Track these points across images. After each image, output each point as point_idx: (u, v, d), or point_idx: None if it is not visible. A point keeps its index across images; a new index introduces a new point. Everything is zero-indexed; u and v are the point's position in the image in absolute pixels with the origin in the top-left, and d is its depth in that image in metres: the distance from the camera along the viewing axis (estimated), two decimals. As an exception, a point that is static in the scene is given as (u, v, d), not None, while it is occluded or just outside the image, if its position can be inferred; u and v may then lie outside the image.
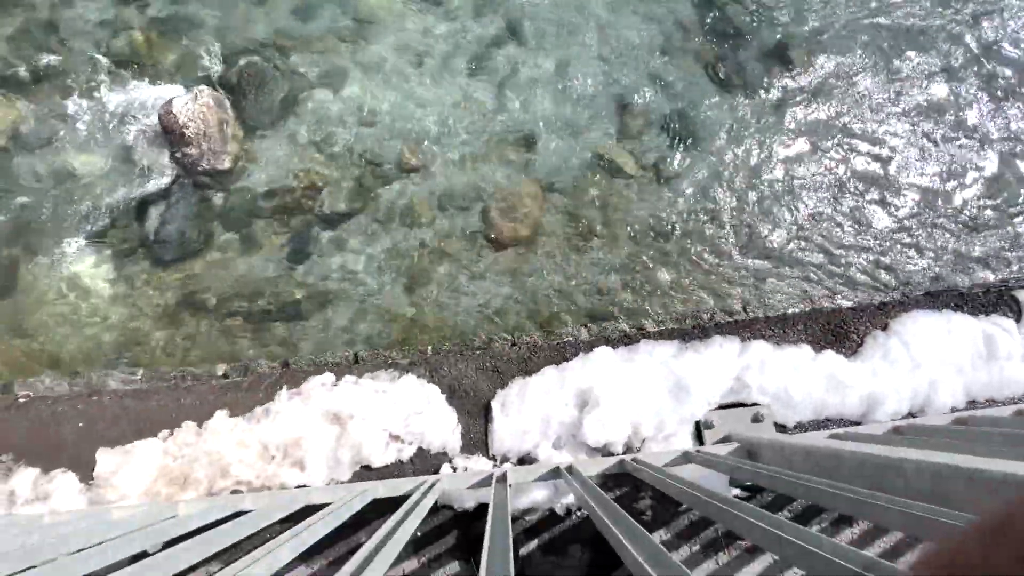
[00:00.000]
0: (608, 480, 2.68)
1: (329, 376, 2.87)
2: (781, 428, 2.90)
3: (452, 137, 4.69)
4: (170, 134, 4.50)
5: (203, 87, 4.59)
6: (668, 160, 4.69)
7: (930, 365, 2.95)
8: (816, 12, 5.17)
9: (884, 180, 4.76)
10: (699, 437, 2.87)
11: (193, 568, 2.45)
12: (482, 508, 2.66)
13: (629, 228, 4.49)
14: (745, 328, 3.12)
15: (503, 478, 2.45)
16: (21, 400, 2.81)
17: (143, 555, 2.04)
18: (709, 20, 5.10)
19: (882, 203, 4.69)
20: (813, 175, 4.74)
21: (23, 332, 4.15)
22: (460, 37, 4.95)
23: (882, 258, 4.55)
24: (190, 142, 4.45)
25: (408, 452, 2.75)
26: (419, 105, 4.76)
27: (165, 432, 2.68)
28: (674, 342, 3.05)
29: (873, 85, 5.00)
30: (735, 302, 4.25)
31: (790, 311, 3.64)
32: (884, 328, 3.12)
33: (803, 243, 4.54)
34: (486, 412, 2.90)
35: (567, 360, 3.03)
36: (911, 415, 2.92)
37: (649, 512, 2.67)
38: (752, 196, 4.65)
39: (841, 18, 5.16)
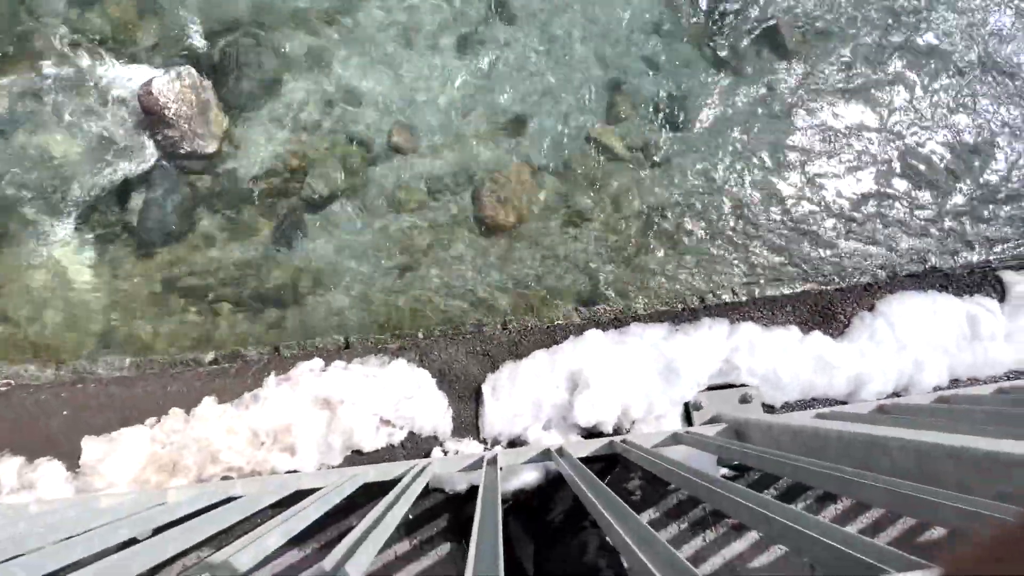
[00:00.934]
0: (598, 461, 2.70)
1: (318, 362, 2.85)
2: (769, 408, 2.94)
3: (440, 118, 4.60)
4: (151, 115, 4.37)
5: (184, 67, 4.44)
6: (658, 142, 4.65)
7: (915, 346, 2.99)
8: (809, -10, 5.11)
9: (873, 161, 4.76)
10: (688, 418, 2.90)
11: (184, 554, 2.45)
12: (473, 490, 2.68)
13: (619, 211, 4.47)
14: (734, 310, 3.13)
15: (493, 460, 2.46)
16: (2, 388, 2.76)
17: (133, 542, 2.03)
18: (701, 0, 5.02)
19: (870, 184, 4.71)
20: (804, 157, 4.73)
21: (3, 318, 4.06)
22: (448, 15, 4.83)
23: (869, 239, 4.58)
24: (171, 124, 4.33)
25: (399, 436, 2.75)
26: (406, 85, 4.66)
27: (152, 419, 2.66)
28: (664, 324, 3.06)
29: (870, 63, 4.96)
30: (725, 284, 4.27)
31: (778, 293, 3.67)
32: (871, 309, 3.15)
33: (792, 225, 4.55)
34: (477, 396, 2.90)
35: (558, 343, 3.03)
36: (896, 394, 2.97)
37: (638, 492, 2.70)
38: (742, 178, 4.64)
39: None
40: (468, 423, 2.87)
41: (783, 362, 2.91)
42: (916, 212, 4.66)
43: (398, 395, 2.73)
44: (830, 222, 4.58)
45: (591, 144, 4.59)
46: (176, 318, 4.14)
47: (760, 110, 4.80)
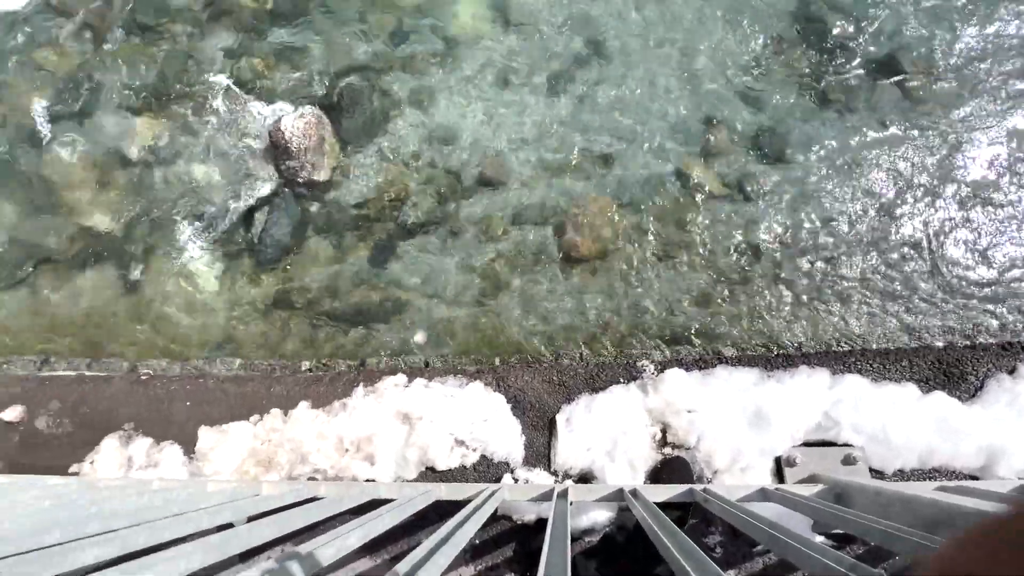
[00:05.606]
0: (674, 508, 2.54)
1: (402, 377, 3.00)
2: (878, 474, 2.61)
3: (530, 152, 4.78)
4: (277, 148, 4.99)
5: (308, 106, 5.05)
6: (755, 179, 4.46)
7: (1072, 419, 2.52)
8: (941, 19, 4.72)
9: (1009, 207, 4.19)
10: (779, 474, 2.65)
11: (270, 544, 2.64)
12: (541, 523, 2.63)
13: (709, 248, 4.30)
14: (837, 360, 2.86)
15: (564, 494, 2.41)
16: (143, 377, 3.20)
17: (229, 526, 2.23)
18: (806, 32, 4.83)
19: (1007, 233, 4.13)
20: (924, 201, 4.28)
21: (146, 318, 4.73)
22: (543, 55, 5.06)
23: (1006, 294, 3.99)
24: (293, 155, 4.90)
25: (472, 458, 2.78)
26: (500, 121, 4.91)
27: (255, 417, 2.93)
28: (755, 370, 2.86)
29: (1009, 100, 4.45)
30: (825, 332, 3.91)
31: (892, 346, 3.29)
32: (1011, 372, 2.72)
33: (908, 273, 4.10)
34: (550, 426, 2.87)
35: (636, 380, 2.94)
36: (1045, 475, 2.50)
37: (719, 549, 2.49)
38: (849, 220, 4.29)
39: (970, 28, 4.67)
40: (540, 453, 2.85)
41: (896, 422, 2.59)
42: (1071, 263, 4.00)
43: (474, 417, 2.79)
44: (958, 273, 4.07)
45: (681, 179, 4.51)
46: (281, 327, 4.57)
47: (872, 147, 4.45)
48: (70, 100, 5.44)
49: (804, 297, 4.08)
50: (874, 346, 3.48)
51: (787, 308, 4.06)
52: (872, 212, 4.29)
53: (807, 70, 4.72)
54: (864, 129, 4.50)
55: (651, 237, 4.38)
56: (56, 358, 4.11)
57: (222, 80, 5.38)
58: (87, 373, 3.33)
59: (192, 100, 5.33)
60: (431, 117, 5.03)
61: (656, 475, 2.77)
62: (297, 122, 4.89)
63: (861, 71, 4.68)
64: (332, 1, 5.47)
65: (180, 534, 1.95)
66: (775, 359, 2.90)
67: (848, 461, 2.57)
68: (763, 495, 2.39)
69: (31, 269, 4.96)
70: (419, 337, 4.36)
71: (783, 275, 4.17)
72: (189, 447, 2.86)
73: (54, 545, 1.50)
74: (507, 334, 4.23)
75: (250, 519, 2.28)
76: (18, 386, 3.24)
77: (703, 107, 4.71)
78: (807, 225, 4.30)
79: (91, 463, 2.86)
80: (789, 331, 3.95)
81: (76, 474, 2.85)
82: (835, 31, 4.79)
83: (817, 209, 4.33)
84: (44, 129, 5.36)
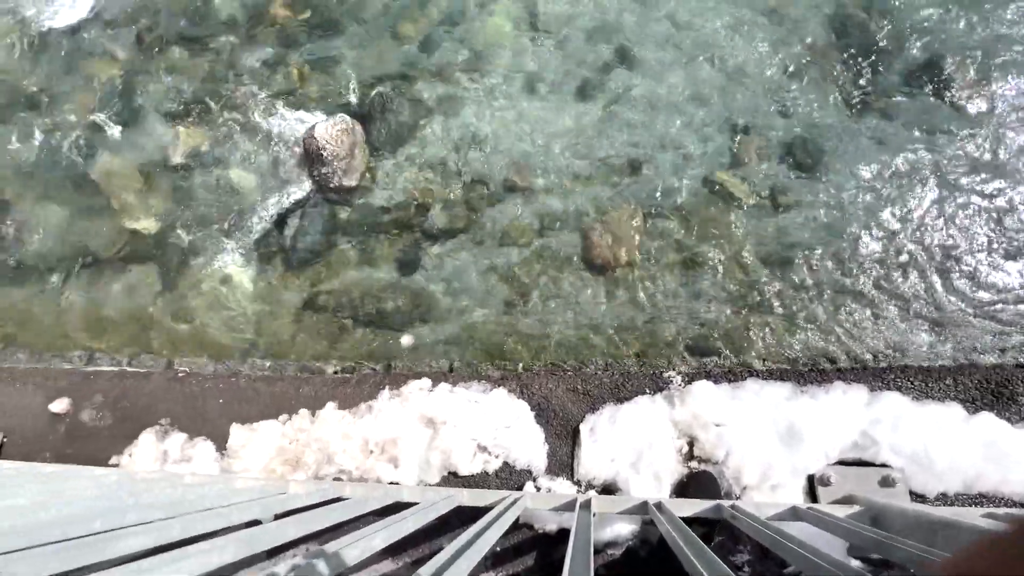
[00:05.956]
0: (700, 524, 2.48)
1: (427, 381, 3.03)
2: (919, 498, 2.49)
3: (557, 160, 4.78)
4: (310, 155, 5.13)
5: (340, 114, 5.19)
6: (787, 188, 4.35)
7: None
8: (988, 27, 4.54)
9: (1070, 217, 3.97)
10: (812, 493, 2.56)
11: (295, 543, 2.68)
12: (563, 533, 2.61)
13: (738, 258, 4.21)
14: (875, 377, 2.75)
15: (587, 505, 2.38)
16: (180, 375, 3.32)
17: (256, 523, 2.28)
18: (845, 38, 4.71)
19: (1066, 244, 3.91)
20: (968, 214, 4.10)
21: (184, 317, 4.91)
22: (571, 63, 5.07)
23: (1065, 310, 3.77)
24: (326, 162, 5.03)
25: (494, 465, 2.78)
26: (527, 129, 4.94)
27: (284, 416, 3.00)
28: (787, 384, 2.78)
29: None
30: (862, 347, 3.77)
31: (935, 363, 3.15)
32: (1066, 394, 2.56)
33: (951, 288, 3.92)
34: (574, 435, 2.85)
35: (662, 391, 2.89)
36: (1105, 506, 2.35)
37: (746, 568, 2.41)
38: (887, 232, 4.14)
39: (1020, 34, 4.47)
40: (562, 462, 2.83)
41: (939, 444, 2.47)
42: None
43: (497, 423, 2.79)
44: (1008, 286, 3.87)
45: (710, 188, 4.43)
46: (310, 329, 4.67)
47: (913, 156, 4.30)
48: (119, 108, 5.72)
49: (839, 310, 3.95)
50: (915, 363, 3.34)
51: (821, 321, 3.93)
52: (913, 224, 4.13)
53: (845, 78, 4.60)
54: (905, 140, 4.35)
55: (679, 246, 4.32)
56: (100, 354, 4.31)
57: (260, 89, 5.58)
58: (128, 369, 3.47)
59: (232, 109, 5.54)
60: (459, 124, 5.10)
61: (682, 489, 2.71)
62: (330, 129, 5.02)
63: (903, 80, 4.53)
64: (366, 12, 5.62)
65: (211, 528, 2.00)
66: (808, 374, 2.81)
67: (887, 483, 2.46)
68: (795, 514, 2.31)
69: (78, 268, 5.22)
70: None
71: (816, 288, 4.04)
72: (221, 443, 2.95)
73: (97, 533, 1.57)
74: (531, 341, 4.22)
75: (277, 517, 2.33)
76: (65, 380, 3.40)
77: (734, 115, 4.63)
78: (843, 236, 4.16)
79: (129, 455, 2.98)
80: (823, 345, 3.82)
81: (116, 465, 2.97)
82: (875, 38, 4.65)
83: (853, 220, 4.20)
84: (95, 135, 5.65)
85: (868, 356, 3.55)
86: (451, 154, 5.00)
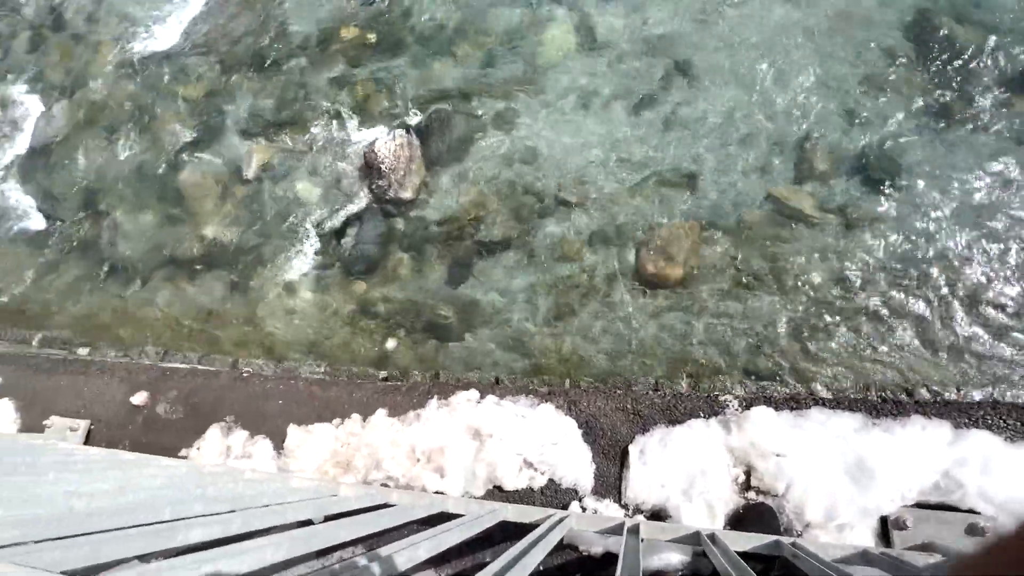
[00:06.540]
0: (756, 559, 2.33)
1: (474, 393, 3.05)
2: (1012, 551, 2.22)
3: (611, 174, 4.74)
4: (370, 168, 5.36)
5: (399, 130, 5.40)
6: (859, 204, 4.09)
7: None
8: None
9: None
10: (885, 537, 2.35)
11: (341, 545, 2.75)
12: (608, 557, 2.53)
13: (803, 277, 3.99)
14: (961, 412, 2.50)
15: (635, 530, 2.29)
16: (244, 375, 3.52)
17: (308, 522, 2.36)
18: (925, 44, 4.40)
19: None
20: (1075, 229, 3.69)
21: (249, 321, 5.21)
22: (626, 77, 5.04)
23: None
24: (383, 175, 5.24)
25: (539, 481, 2.75)
26: (581, 143, 4.93)
27: (337, 420, 3.11)
28: (857, 415, 2.58)
29: None
30: (945, 379, 3.45)
31: (1032, 400, 2.84)
32: None
33: (1055, 315, 3.53)
34: (623, 456, 2.77)
35: (717, 415, 2.76)
36: None
37: (810, 613, 2.24)
38: (972, 253, 3.79)
39: None
40: (610, 483, 2.75)
41: (1039, 492, 2.20)
42: None
43: (544, 440, 2.76)
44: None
45: (773, 203, 4.24)
46: (363, 336, 4.84)
47: (1004, 172, 3.93)
48: (202, 126, 6.23)
49: (917, 338, 3.65)
50: (1007, 398, 3.02)
51: (896, 349, 3.64)
52: (1003, 245, 3.76)
53: (926, 86, 4.29)
54: (996, 152, 3.99)
55: (737, 264, 4.15)
56: (174, 351, 4.64)
57: (327, 107, 5.91)
58: (199, 367, 3.72)
59: (301, 125, 5.89)
60: (513, 139, 5.16)
61: (737, 521, 2.56)
62: (389, 144, 5.23)
63: (993, 89, 4.17)
64: (427, 32, 5.85)
65: (267, 524, 2.09)
66: (882, 405, 2.60)
67: (974, 531, 2.22)
68: (865, 559, 2.12)
69: (160, 270, 5.68)
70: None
71: (891, 312, 3.75)
72: (278, 442, 3.09)
73: (168, 521, 1.67)
74: (580, 357, 4.17)
75: (327, 518, 2.40)
76: (144, 375, 3.69)
77: (800, 126, 4.43)
78: (922, 257, 3.86)
79: (197, 448, 3.17)
80: (898, 375, 3.53)
81: (184, 457, 3.17)
82: (960, 44, 4.33)
83: (934, 238, 3.88)
84: (180, 150, 6.16)
85: (951, 389, 3.24)
86: (504, 169, 5.07)
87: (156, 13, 7.10)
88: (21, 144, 6.90)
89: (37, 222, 6.42)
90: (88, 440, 3.54)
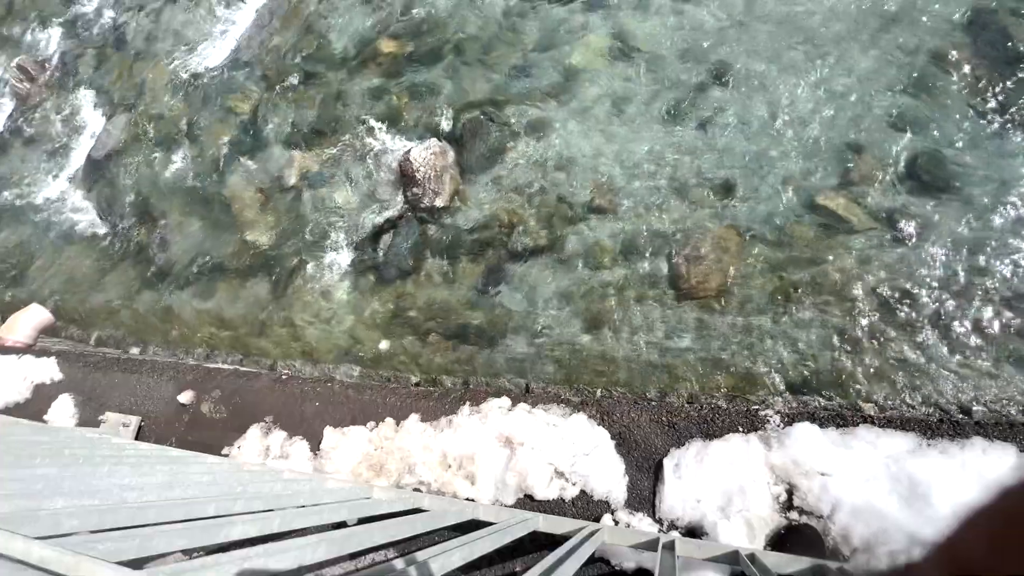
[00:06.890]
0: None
1: (506, 400, 3.04)
2: (1088, 589, 2.04)
3: (645, 181, 4.68)
4: (405, 176, 5.47)
5: (433, 139, 5.49)
6: (909, 213, 3.90)
7: None
8: None
9: None
10: (942, 566, 2.20)
11: (373, 548, 2.78)
12: (641, 573, 2.46)
13: (848, 289, 3.82)
14: (1027, 435, 2.33)
15: (671, 546, 2.23)
16: (283, 376, 3.63)
17: (342, 524, 2.40)
18: (983, 46, 4.18)
19: None
20: None
21: (287, 324, 5.38)
22: (663, 82, 4.98)
23: None
24: (419, 183, 5.34)
25: (571, 492, 2.71)
26: (615, 150, 4.89)
27: (372, 423, 3.16)
28: (909, 435, 2.44)
29: None
30: (1009, 400, 3.23)
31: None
32: None
33: None
34: (657, 470, 2.70)
35: (757, 430, 2.66)
36: None
37: (858, 644, 2.11)
38: (1041, 263, 3.55)
39: None
40: (643, 497, 2.69)
41: (1119, 526, 2.02)
42: None
43: (576, 450, 2.72)
44: None
45: (815, 211, 4.09)
46: (396, 342, 4.92)
47: (1075, 176, 3.67)
48: (248, 137, 6.51)
49: (976, 356, 3.43)
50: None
51: (954, 366, 3.43)
52: (1076, 256, 3.51)
53: (983, 89, 4.07)
54: (1065, 156, 3.74)
55: (779, 274, 4.01)
56: (218, 352, 4.84)
57: (364, 117, 6.08)
58: (241, 368, 3.85)
59: (340, 135, 6.08)
60: (546, 147, 5.17)
61: (778, 542, 2.45)
62: (424, 153, 5.32)
63: (1061, 88, 3.91)
64: (463, 42, 5.94)
65: (304, 525, 2.14)
66: (938, 425, 2.45)
67: (1043, 565, 2.06)
68: (920, 589, 1.99)
69: (205, 275, 5.94)
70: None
71: (946, 328, 3.55)
72: (315, 444, 3.16)
73: (211, 517, 1.74)
74: (612, 366, 4.11)
75: (360, 520, 2.44)
76: (191, 374, 3.85)
77: (846, 131, 4.26)
78: (979, 269, 3.64)
79: (238, 447, 3.29)
80: (956, 394, 3.33)
81: (226, 456, 3.28)
82: (1020, 44, 4.08)
83: (993, 250, 3.66)
84: (228, 160, 6.46)
85: (1016, 410, 3.03)
86: (537, 176, 5.09)
87: (208, 31, 7.50)
88: (85, 154, 7.39)
89: (98, 227, 6.85)
90: (139, 436, 3.72)
